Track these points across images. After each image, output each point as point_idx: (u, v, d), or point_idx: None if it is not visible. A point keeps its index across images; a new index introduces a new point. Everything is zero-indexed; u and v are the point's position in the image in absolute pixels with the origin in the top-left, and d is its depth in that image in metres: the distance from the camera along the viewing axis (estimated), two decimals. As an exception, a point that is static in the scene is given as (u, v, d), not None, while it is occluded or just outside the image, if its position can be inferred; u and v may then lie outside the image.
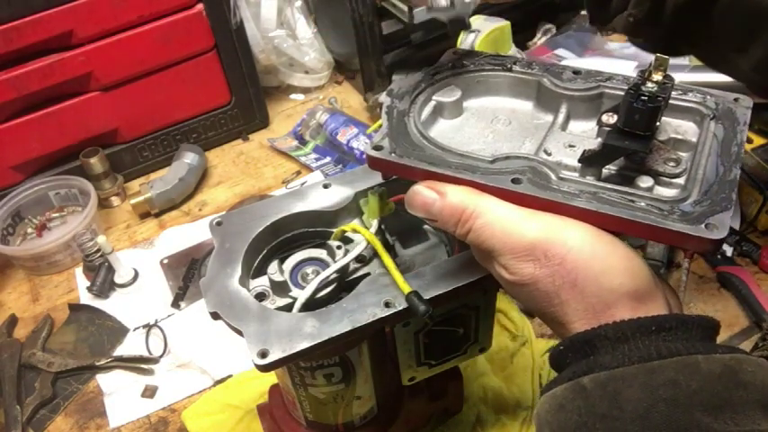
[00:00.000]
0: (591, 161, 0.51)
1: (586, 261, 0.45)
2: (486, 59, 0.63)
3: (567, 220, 0.47)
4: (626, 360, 0.42)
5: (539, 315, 0.50)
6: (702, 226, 0.45)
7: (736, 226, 1.09)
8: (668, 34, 0.70)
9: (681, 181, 0.50)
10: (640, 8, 0.66)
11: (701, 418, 0.39)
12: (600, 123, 0.52)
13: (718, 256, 1.05)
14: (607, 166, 0.52)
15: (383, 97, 0.60)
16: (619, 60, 1.37)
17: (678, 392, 0.40)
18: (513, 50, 1.30)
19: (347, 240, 0.66)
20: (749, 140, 1.14)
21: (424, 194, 0.51)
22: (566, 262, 0.45)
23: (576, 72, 0.60)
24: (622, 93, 0.50)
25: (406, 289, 0.57)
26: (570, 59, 1.42)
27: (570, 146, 0.55)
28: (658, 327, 0.43)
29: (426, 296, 0.57)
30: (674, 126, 0.56)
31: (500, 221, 0.48)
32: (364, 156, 1.26)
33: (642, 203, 0.47)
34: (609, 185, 0.49)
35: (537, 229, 0.47)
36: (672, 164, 0.51)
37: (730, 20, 0.65)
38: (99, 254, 1.13)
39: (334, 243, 0.65)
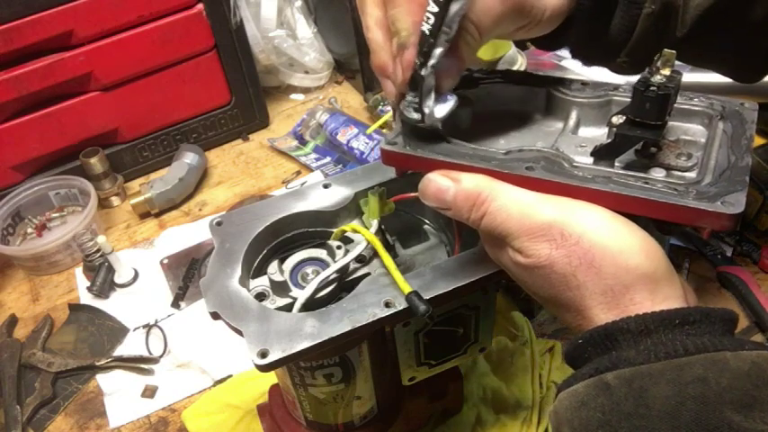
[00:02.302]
0: (603, 153, 0.52)
1: (603, 241, 0.45)
2: (495, 74, 0.64)
3: (582, 203, 0.47)
4: (652, 356, 0.41)
5: (554, 304, 0.49)
6: (719, 203, 0.46)
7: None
8: None
9: (693, 174, 0.51)
10: (634, 55, 0.65)
11: (731, 417, 0.38)
12: (610, 125, 0.52)
13: (718, 256, 1.05)
14: (618, 162, 0.52)
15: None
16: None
17: (707, 390, 0.39)
18: (512, 51, 1.30)
19: (347, 240, 0.66)
20: (749, 140, 1.13)
21: (439, 181, 0.51)
22: (582, 241, 0.45)
23: (584, 83, 0.61)
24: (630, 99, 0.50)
25: (406, 289, 0.57)
26: (570, 59, 1.41)
27: (581, 146, 0.56)
28: (682, 320, 0.43)
29: (426, 296, 0.57)
30: (684, 129, 0.57)
31: (515, 204, 0.48)
32: (366, 156, 1.28)
33: (658, 185, 0.48)
34: (623, 171, 0.50)
35: (553, 209, 0.47)
36: (684, 158, 0.52)
37: (725, 45, 0.65)
38: (99, 254, 1.13)
39: (334, 243, 0.65)
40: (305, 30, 1.49)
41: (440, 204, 0.52)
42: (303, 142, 1.41)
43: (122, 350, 1.04)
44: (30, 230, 1.26)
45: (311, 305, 0.60)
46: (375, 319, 0.57)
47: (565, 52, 1.45)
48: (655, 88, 0.47)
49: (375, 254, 0.64)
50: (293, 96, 1.56)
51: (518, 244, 0.48)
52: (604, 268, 0.45)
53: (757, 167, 1.09)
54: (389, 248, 0.65)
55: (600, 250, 0.45)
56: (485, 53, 1.21)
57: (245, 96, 1.40)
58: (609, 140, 0.51)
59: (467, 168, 0.51)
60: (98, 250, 1.13)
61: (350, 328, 0.56)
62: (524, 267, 0.48)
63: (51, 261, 1.17)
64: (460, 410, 0.88)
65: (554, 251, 0.46)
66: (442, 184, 0.51)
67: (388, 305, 0.58)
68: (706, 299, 1.01)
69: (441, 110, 0.53)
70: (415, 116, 0.52)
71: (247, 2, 1.40)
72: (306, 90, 1.56)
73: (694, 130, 0.56)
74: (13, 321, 1.11)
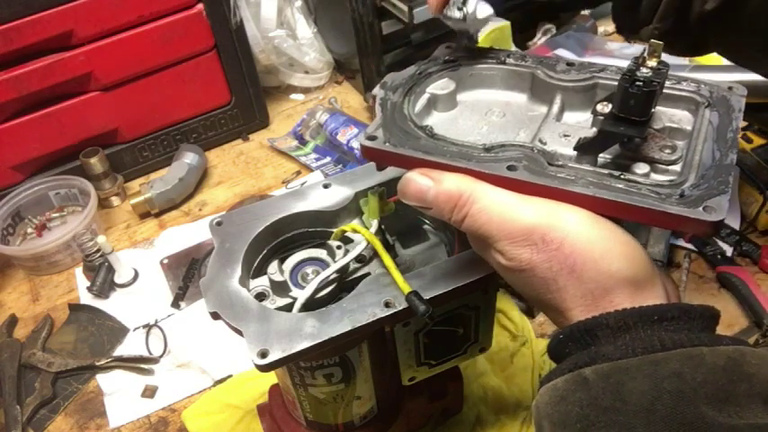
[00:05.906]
0: (586, 149, 0.51)
1: (585, 245, 0.45)
2: (480, 53, 0.62)
3: (564, 205, 0.47)
4: (629, 351, 0.41)
5: (537, 303, 0.49)
6: (700, 209, 0.45)
7: (737, 226, 1.09)
8: (693, 42, 0.69)
9: (677, 168, 0.50)
10: (665, 22, 0.65)
11: (705, 411, 0.38)
12: (595, 113, 0.51)
13: (718, 256, 1.05)
14: (602, 154, 0.52)
15: (376, 89, 0.59)
16: (618, 60, 1.38)
17: (683, 385, 0.39)
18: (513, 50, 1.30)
19: (347, 240, 0.66)
20: (749, 140, 1.13)
21: (419, 181, 0.51)
22: (563, 246, 0.45)
23: (570, 64, 0.59)
24: (617, 83, 0.49)
25: (406, 289, 0.57)
26: (565, 50, 1.43)
27: (565, 135, 0.54)
28: (660, 316, 0.43)
29: (426, 296, 0.57)
30: (669, 115, 0.55)
31: (497, 206, 0.48)
32: (357, 148, 1.27)
33: (640, 188, 0.47)
34: (605, 171, 0.49)
35: (534, 213, 0.47)
36: (668, 151, 0.51)
37: (757, 24, 0.64)
38: (99, 254, 1.13)
39: (334, 243, 0.65)
40: (305, 30, 1.49)
41: (420, 203, 0.51)
42: (303, 142, 1.41)
43: (122, 350, 1.04)
44: (30, 230, 1.26)
45: (311, 305, 0.60)
46: (375, 319, 0.57)
47: (565, 52, 1.47)
48: (641, 83, 0.46)
49: (375, 254, 0.63)
50: (293, 96, 1.56)
51: (500, 247, 0.48)
52: (585, 273, 0.45)
53: (757, 167, 1.09)
54: (389, 248, 0.65)
55: (581, 255, 0.45)
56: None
57: (245, 96, 1.40)
58: (592, 137, 0.51)
59: (447, 167, 0.50)
60: (98, 250, 1.13)
61: (350, 328, 0.56)
62: (506, 269, 0.48)
63: (51, 261, 1.17)
64: (460, 410, 0.88)
65: (535, 256, 0.46)
66: (422, 184, 0.50)
67: (388, 305, 0.57)
68: (706, 299, 1.01)
69: (483, 10, 0.55)
70: (458, 15, 0.55)
71: (247, 2, 1.40)
72: (306, 90, 1.56)
73: (680, 116, 0.55)
74: (13, 321, 1.11)
